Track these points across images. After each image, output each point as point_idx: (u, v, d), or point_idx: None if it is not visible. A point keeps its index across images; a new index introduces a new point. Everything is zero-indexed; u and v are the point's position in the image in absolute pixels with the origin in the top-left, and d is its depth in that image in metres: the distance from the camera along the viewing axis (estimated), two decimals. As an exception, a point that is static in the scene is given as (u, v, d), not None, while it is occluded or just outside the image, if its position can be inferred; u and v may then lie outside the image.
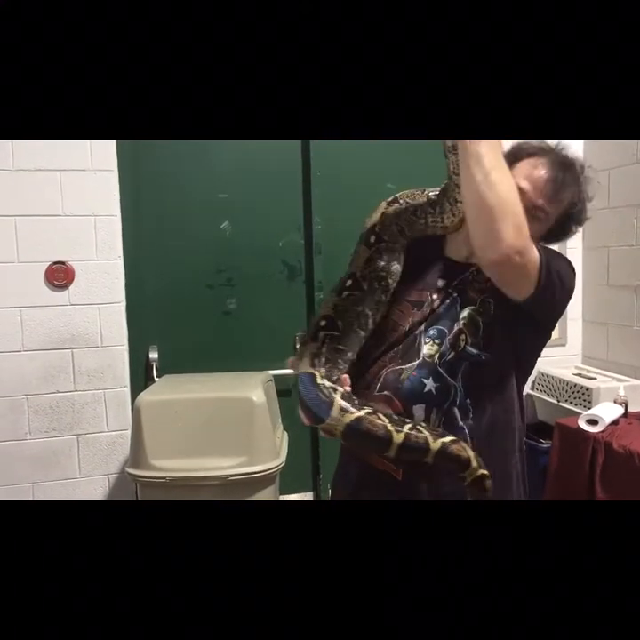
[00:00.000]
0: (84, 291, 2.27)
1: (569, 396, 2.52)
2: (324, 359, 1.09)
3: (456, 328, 1.13)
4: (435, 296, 1.17)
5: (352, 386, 1.11)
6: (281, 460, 1.95)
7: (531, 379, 2.74)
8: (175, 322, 2.41)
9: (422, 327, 1.15)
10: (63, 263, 2.24)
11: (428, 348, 1.14)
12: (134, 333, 2.35)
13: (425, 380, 1.12)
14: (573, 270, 1.17)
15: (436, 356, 1.13)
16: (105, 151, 2.25)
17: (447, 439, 1.03)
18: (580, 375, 2.59)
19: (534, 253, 1.04)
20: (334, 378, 1.09)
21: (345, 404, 1.03)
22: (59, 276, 2.24)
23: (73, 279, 2.25)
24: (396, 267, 1.15)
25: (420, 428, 1.03)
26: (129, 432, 2.14)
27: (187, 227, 2.40)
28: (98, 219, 2.27)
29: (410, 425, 1.03)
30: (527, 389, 2.75)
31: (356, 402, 1.05)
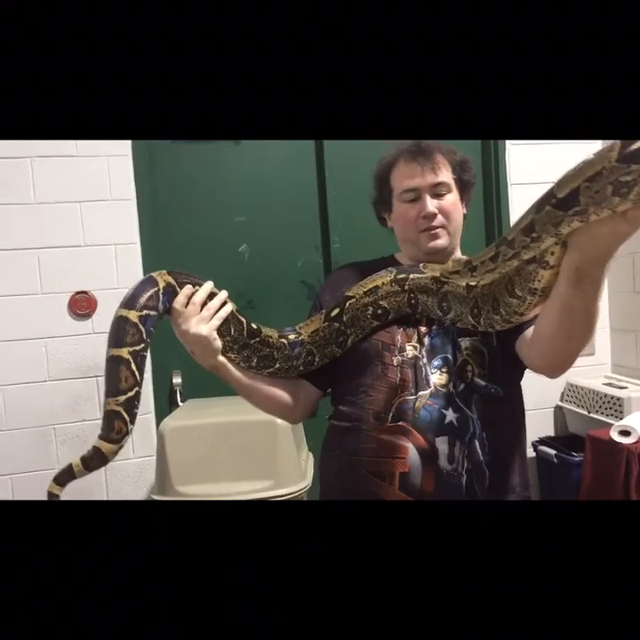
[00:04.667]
0: (107, 319, 2.27)
1: (600, 407, 2.46)
2: None
3: (460, 358, 1.09)
4: (423, 327, 1.13)
5: (346, 412, 1.13)
6: (307, 481, 1.93)
7: (560, 390, 2.69)
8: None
9: (424, 359, 1.10)
10: (86, 293, 2.27)
11: (437, 378, 1.09)
12: (158, 359, 2.35)
13: (444, 411, 1.07)
14: None
15: (449, 385, 1.08)
16: (123, 181, 2.29)
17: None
18: (610, 385, 2.53)
19: None
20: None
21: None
22: (82, 305, 2.27)
23: (96, 308, 2.28)
24: None
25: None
26: (154, 458, 2.14)
27: (205, 251, 2.42)
28: (118, 247, 2.30)
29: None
30: (557, 401, 2.70)
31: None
